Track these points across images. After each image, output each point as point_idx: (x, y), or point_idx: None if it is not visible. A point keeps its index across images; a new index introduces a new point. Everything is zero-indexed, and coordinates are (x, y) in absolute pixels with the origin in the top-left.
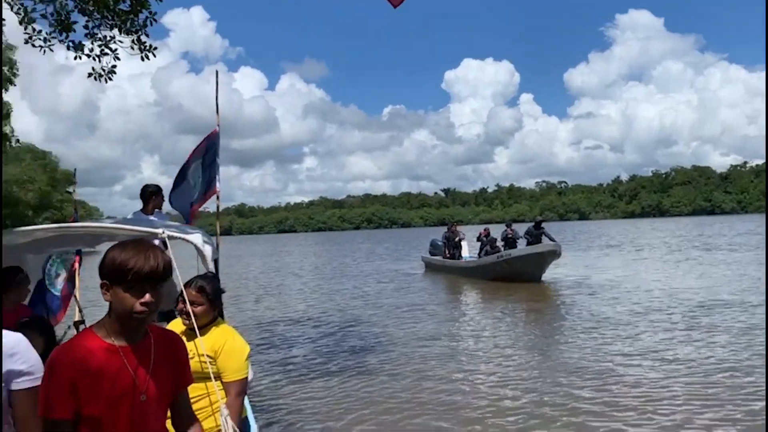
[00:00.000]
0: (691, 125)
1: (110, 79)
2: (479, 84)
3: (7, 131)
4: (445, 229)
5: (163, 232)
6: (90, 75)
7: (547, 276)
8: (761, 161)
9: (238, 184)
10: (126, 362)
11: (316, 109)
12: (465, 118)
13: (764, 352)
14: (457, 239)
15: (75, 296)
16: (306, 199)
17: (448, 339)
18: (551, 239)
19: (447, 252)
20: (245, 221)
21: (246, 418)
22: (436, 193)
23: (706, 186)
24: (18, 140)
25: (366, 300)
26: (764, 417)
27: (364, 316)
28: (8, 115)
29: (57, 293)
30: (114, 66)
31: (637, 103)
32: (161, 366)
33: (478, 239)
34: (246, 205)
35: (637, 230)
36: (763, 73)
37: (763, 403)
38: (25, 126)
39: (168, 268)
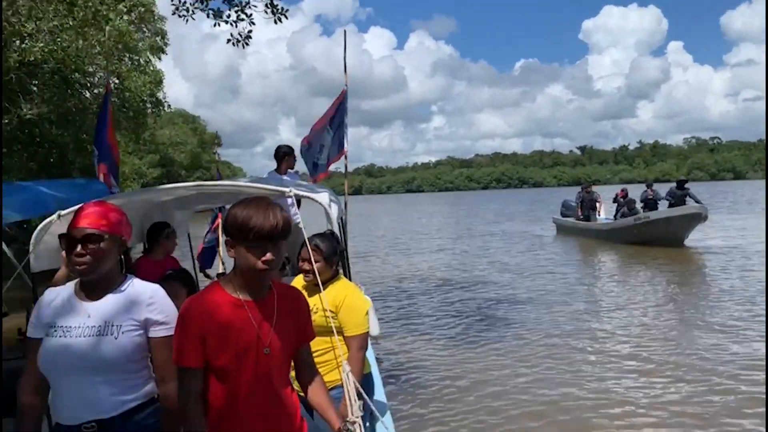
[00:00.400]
0: None
1: (247, 44)
2: (621, 33)
3: (160, 96)
4: (579, 189)
5: (291, 191)
6: (228, 41)
7: (692, 241)
8: None
9: (368, 145)
10: (251, 316)
11: (445, 66)
12: (604, 70)
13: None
14: (591, 200)
15: (218, 250)
16: (433, 159)
17: (578, 307)
18: (697, 201)
19: (580, 213)
20: (374, 181)
21: (370, 373)
22: (571, 151)
23: None
24: (170, 105)
25: (492, 261)
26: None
27: (489, 278)
28: (161, 82)
29: (211, 245)
30: (250, 31)
31: None
32: (284, 321)
33: (615, 200)
34: (375, 165)
35: None
36: None
37: None
38: (177, 93)
39: (287, 227)
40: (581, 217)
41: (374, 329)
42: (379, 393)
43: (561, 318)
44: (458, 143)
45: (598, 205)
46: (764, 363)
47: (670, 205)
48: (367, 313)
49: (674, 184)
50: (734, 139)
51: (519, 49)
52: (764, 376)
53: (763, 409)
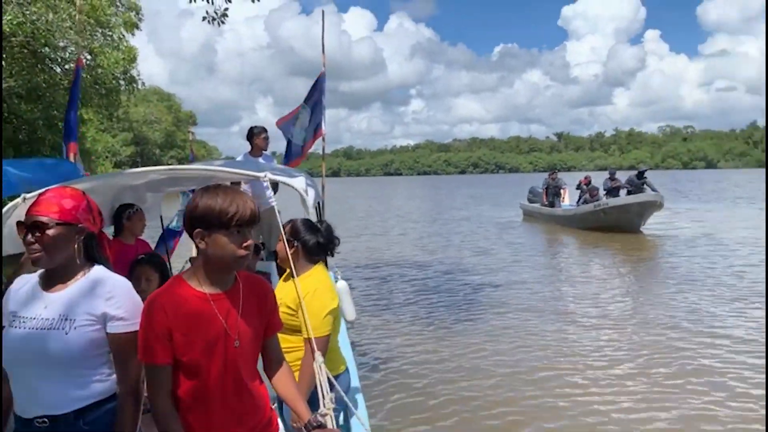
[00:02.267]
0: None
1: (223, 22)
2: (600, 20)
3: (134, 74)
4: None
5: (266, 176)
6: (204, 19)
7: (651, 228)
8: None
9: (346, 126)
10: (216, 310)
11: (424, 49)
12: (582, 57)
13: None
14: (557, 187)
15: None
16: (412, 143)
17: (539, 290)
18: (653, 189)
19: (546, 199)
20: (353, 163)
21: (347, 369)
22: (547, 137)
23: None
24: (144, 83)
25: (463, 246)
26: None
27: (461, 263)
28: (134, 59)
29: (178, 229)
30: (226, 9)
31: None
32: (250, 311)
33: (578, 187)
34: (354, 147)
35: None
36: None
37: None
38: (152, 69)
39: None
40: (546, 203)
41: (350, 314)
42: (355, 385)
43: (528, 300)
44: (436, 127)
45: (562, 191)
46: (764, 358)
47: (629, 193)
48: (327, 315)
49: (634, 173)
50: (707, 129)
51: (498, 33)
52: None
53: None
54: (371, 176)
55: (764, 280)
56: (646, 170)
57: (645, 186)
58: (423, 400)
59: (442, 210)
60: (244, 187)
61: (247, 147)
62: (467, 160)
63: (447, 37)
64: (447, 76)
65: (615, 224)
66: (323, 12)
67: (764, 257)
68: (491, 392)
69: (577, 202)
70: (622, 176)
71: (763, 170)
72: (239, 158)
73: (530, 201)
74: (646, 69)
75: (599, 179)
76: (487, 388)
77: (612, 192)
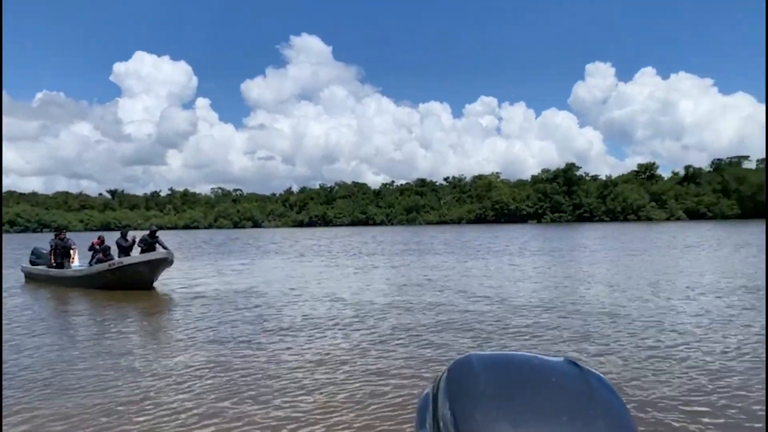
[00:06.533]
0: (351, 146)
1: None
2: (154, 81)
3: None
4: (97, 235)
5: None
6: None
7: (172, 284)
8: (405, 181)
9: None
10: None
11: None
12: (136, 115)
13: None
14: (65, 247)
15: None
16: None
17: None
18: (164, 248)
19: (54, 260)
20: None
21: None
22: (101, 194)
23: (362, 200)
24: None
25: None
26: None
27: None
28: None
29: None
30: None
31: (308, 120)
32: None
33: (90, 248)
34: None
35: (301, 236)
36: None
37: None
38: None
39: None
40: (54, 264)
41: None
42: None
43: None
44: None
45: (72, 252)
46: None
47: (142, 251)
48: None
49: (147, 233)
50: (253, 192)
51: (40, 78)
52: None
53: None
54: None
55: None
56: (157, 230)
57: (157, 244)
58: None
59: None
60: None
61: None
62: (5, 216)
63: None
64: None
65: (129, 282)
66: None
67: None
68: None
69: (90, 262)
70: (159, 234)
71: (297, 229)
72: None
73: (33, 263)
74: (198, 133)
75: (112, 239)
76: None
77: (125, 251)
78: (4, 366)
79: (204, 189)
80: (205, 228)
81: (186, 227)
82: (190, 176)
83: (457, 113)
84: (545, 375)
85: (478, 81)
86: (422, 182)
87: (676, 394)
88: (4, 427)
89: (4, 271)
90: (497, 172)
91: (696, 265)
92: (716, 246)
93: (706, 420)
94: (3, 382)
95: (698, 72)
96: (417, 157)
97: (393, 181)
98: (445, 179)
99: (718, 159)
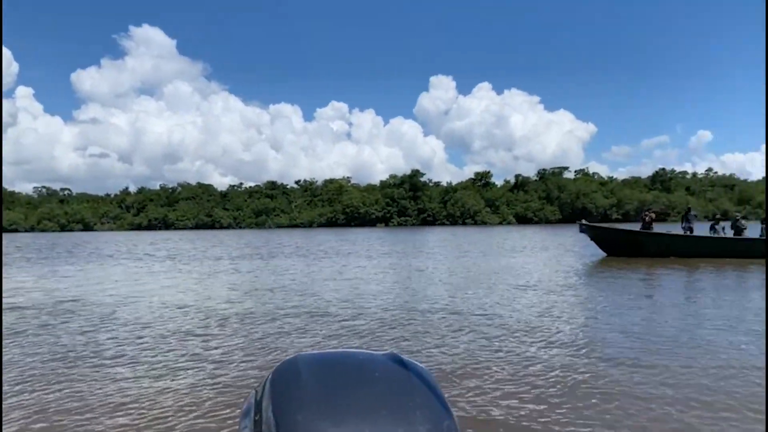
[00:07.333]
0: (196, 145)
1: None
2: None
3: None
4: None
5: None
6: None
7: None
8: (254, 183)
9: None
10: None
11: None
12: None
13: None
14: None
15: None
16: None
17: None
18: None
19: None
20: None
21: None
22: None
23: (208, 202)
24: None
25: None
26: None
27: None
28: None
29: None
30: None
31: (148, 116)
32: None
33: None
34: None
35: (138, 240)
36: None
37: None
38: None
39: None
40: None
41: None
42: None
43: None
44: None
45: None
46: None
47: None
48: None
49: None
50: (84, 192)
51: None
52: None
53: None
54: None
55: None
56: None
57: None
58: None
59: None
60: None
61: None
62: None
63: None
64: None
65: None
66: None
67: None
68: None
69: None
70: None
71: (134, 232)
72: None
73: None
74: (18, 126)
75: None
76: None
77: None
78: None
79: (26, 188)
80: (26, 231)
81: (12, 230)
82: (9, 173)
83: (308, 116)
84: (370, 371)
85: (330, 86)
86: (272, 185)
87: (503, 381)
88: None
89: None
90: (348, 177)
91: (525, 265)
92: (540, 248)
93: (531, 407)
94: None
95: (527, 89)
96: (267, 159)
97: (241, 183)
98: (297, 182)
99: (543, 169)
